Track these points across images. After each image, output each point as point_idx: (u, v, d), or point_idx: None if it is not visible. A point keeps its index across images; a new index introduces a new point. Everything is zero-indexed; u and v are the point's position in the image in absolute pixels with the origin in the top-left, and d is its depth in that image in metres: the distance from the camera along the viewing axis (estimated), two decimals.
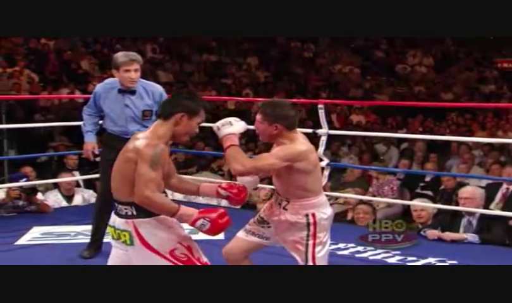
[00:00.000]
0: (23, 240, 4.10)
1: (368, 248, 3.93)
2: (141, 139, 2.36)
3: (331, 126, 4.96)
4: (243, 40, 13.45)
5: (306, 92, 12.10)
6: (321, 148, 4.45)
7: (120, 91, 3.63)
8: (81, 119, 3.90)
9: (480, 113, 11.27)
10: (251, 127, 2.76)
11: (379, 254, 3.84)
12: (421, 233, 4.24)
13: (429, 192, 6.15)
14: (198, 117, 2.43)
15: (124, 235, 2.37)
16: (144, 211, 2.34)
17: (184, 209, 2.35)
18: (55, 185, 5.38)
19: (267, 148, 2.93)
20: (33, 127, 7.72)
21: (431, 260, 3.69)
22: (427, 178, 6.50)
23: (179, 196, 5.19)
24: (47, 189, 5.57)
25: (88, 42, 11.45)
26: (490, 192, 5.37)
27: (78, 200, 5.28)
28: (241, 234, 2.79)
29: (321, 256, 2.62)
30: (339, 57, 13.99)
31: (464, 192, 4.34)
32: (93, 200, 4.65)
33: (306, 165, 2.57)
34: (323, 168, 4.61)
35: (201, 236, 4.21)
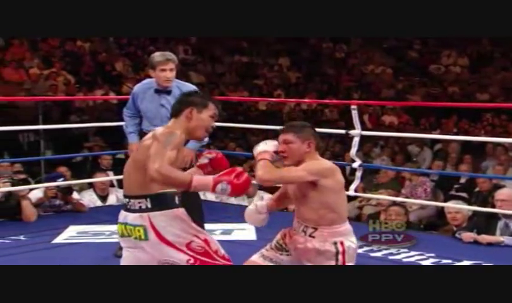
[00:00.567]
0: (60, 239, 4.19)
1: (402, 250, 3.89)
2: (157, 130, 2.40)
3: (363, 127, 4.92)
4: (274, 41, 13.46)
5: (338, 93, 12.04)
6: (353, 149, 4.42)
7: (156, 91, 3.69)
8: (114, 120, 3.96)
9: None
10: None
11: (413, 256, 3.81)
12: (456, 235, 4.19)
13: (464, 194, 6.06)
14: (207, 110, 2.45)
15: (138, 231, 2.31)
16: (159, 204, 2.30)
17: (198, 178, 2.30)
18: (90, 185, 5.47)
19: None
20: (69, 127, 7.86)
21: (466, 263, 3.64)
22: (462, 180, 6.41)
23: (211, 197, 5.23)
24: (81, 188, 5.67)
25: (122, 44, 11.60)
26: None
27: (112, 200, 5.37)
28: (257, 259, 2.65)
29: None
30: (371, 58, 13.87)
31: (500, 194, 4.27)
32: None
33: (333, 183, 2.51)
34: (355, 170, 4.59)
35: (233, 236, 4.24)
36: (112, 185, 5.60)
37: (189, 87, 3.78)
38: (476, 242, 4.05)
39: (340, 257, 2.51)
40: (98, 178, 5.45)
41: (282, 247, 2.65)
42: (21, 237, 4.18)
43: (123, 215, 2.39)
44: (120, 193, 5.48)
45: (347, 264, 2.52)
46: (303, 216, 2.57)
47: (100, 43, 11.17)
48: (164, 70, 3.61)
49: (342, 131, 4.71)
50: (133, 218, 2.33)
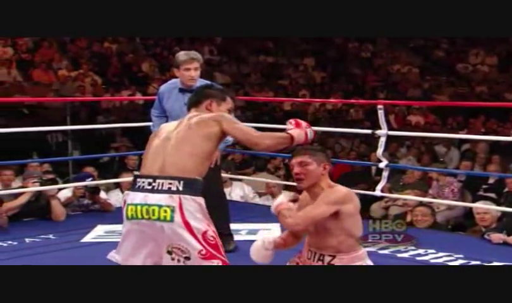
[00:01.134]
0: (88, 238, 4.24)
1: (429, 251, 3.86)
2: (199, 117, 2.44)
3: (389, 127, 4.89)
4: (299, 41, 13.44)
5: (364, 92, 11.97)
6: (380, 149, 4.40)
7: (181, 90, 3.72)
8: (140, 120, 4.00)
9: None
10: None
11: (441, 257, 3.77)
12: (485, 236, 4.12)
13: (492, 195, 5.97)
14: (226, 103, 2.51)
15: (165, 211, 2.25)
16: (191, 188, 2.28)
17: (293, 131, 2.41)
18: (117, 185, 5.53)
19: None
20: (96, 128, 7.95)
21: (496, 264, 3.58)
22: (490, 181, 6.31)
23: (236, 197, 5.25)
24: (108, 188, 5.73)
25: (148, 45, 11.71)
26: None
27: None
28: None
29: None
30: (397, 57, 13.76)
31: None
32: None
33: (352, 208, 2.47)
34: (381, 171, 4.56)
35: (260, 236, 4.23)
36: None
37: None
38: (505, 243, 3.98)
39: None
40: (124, 178, 5.50)
41: None
42: (51, 236, 4.24)
43: (140, 196, 2.31)
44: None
45: None
46: (320, 245, 2.51)
47: (126, 44, 11.29)
48: (188, 69, 3.64)
49: (368, 131, 4.68)
50: (160, 198, 2.28)
